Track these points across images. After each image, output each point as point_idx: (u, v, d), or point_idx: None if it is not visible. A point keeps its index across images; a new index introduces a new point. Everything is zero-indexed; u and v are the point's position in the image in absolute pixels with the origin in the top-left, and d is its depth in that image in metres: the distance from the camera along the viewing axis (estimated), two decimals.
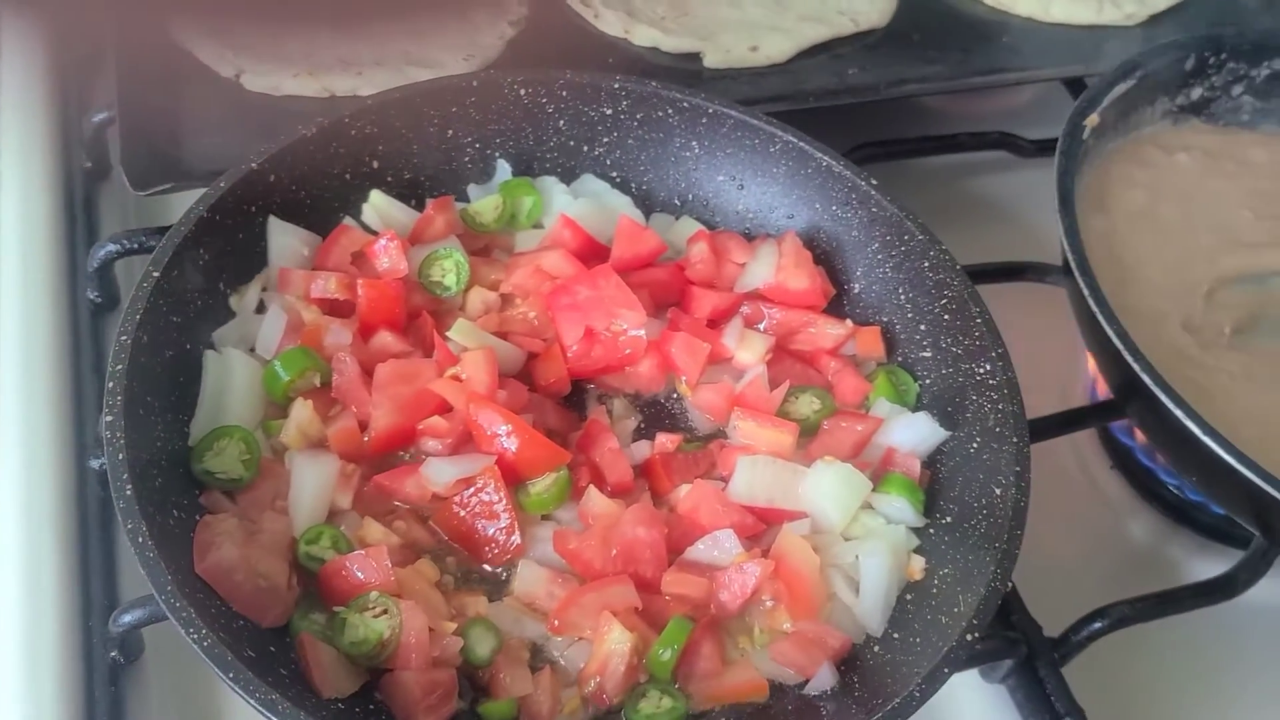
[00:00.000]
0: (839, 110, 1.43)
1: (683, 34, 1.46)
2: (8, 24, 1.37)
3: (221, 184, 1.04)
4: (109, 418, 0.88)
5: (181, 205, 1.18)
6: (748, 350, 1.11)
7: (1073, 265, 1.10)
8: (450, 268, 1.11)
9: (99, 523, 1.09)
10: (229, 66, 1.33)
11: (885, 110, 1.53)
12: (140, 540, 0.83)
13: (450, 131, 1.18)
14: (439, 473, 0.97)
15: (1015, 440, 0.99)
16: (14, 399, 1.14)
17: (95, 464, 1.10)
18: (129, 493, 0.84)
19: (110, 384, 0.90)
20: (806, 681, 0.95)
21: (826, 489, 1.01)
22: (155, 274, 0.96)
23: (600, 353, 1.10)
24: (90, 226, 1.33)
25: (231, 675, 0.78)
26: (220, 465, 0.96)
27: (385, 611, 0.89)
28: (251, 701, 0.77)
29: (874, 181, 1.15)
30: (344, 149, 1.13)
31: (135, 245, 1.19)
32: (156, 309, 0.96)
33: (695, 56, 1.45)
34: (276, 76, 1.32)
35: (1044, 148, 1.50)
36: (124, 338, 0.92)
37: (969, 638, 0.88)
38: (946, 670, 0.86)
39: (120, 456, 0.86)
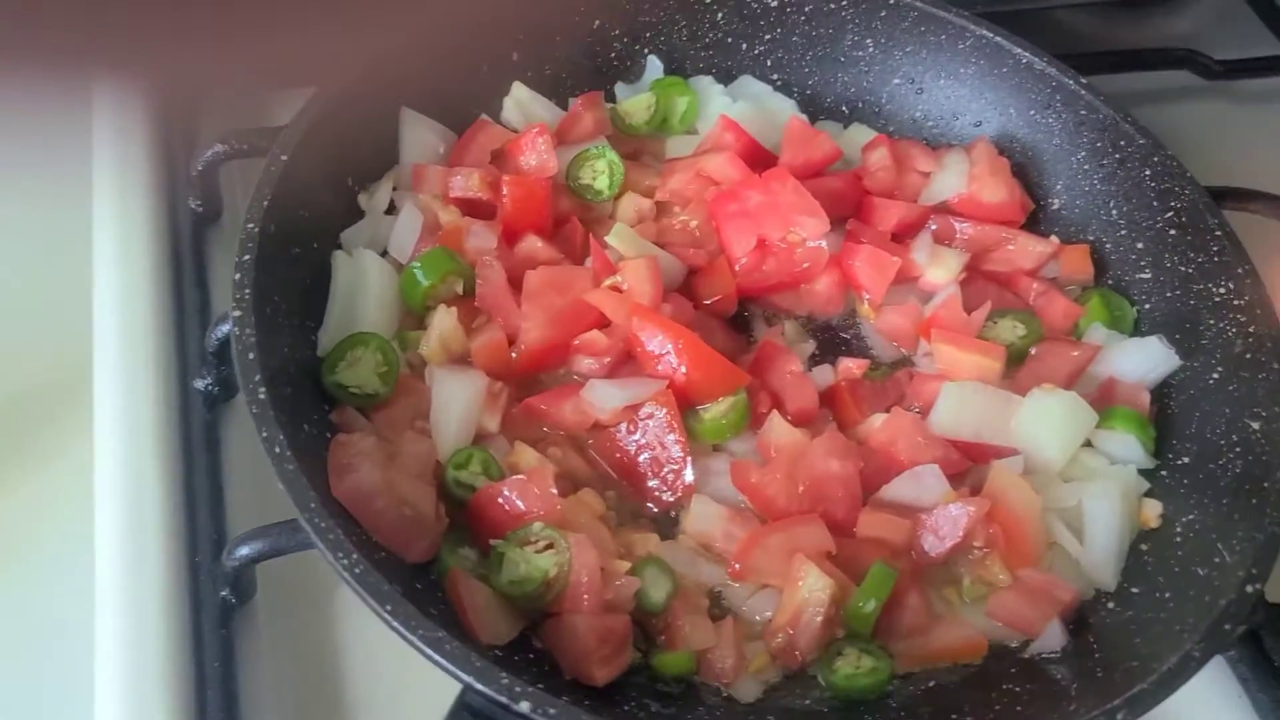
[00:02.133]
0: (1000, 19, 1.28)
1: None
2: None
3: (353, 67, 0.91)
4: (237, 313, 0.76)
5: (286, 107, 1.08)
6: (940, 267, 0.97)
7: None
8: (603, 169, 0.98)
9: (204, 448, 0.97)
10: None
11: (1055, 24, 1.38)
12: (278, 451, 0.70)
13: (597, 22, 1.05)
14: (604, 396, 0.85)
15: (1277, 366, 0.84)
16: (112, 315, 1.02)
17: (200, 385, 0.98)
18: (263, 396, 0.72)
19: (237, 275, 0.78)
20: (1029, 641, 0.81)
21: (1045, 421, 0.87)
22: (283, 157, 0.84)
23: (773, 266, 0.96)
24: (188, 133, 1.21)
25: (389, 609, 0.66)
26: (355, 378, 0.84)
27: (550, 546, 0.77)
28: (413, 639, 0.65)
29: (1084, 80, 1.00)
30: (485, 37, 1.00)
31: (245, 146, 1.06)
32: (283, 199, 0.84)
33: None
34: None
35: (1233, 69, 1.34)
36: (251, 225, 0.80)
37: (1249, 589, 0.73)
38: (1228, 627, 0.71)
39: (251, 357, 0.74)
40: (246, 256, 0.79)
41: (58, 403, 1.05)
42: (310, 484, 0.70)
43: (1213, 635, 0.71)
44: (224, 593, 0.88)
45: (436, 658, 0.64)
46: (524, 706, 0.62)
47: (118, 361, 0.99)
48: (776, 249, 0.96)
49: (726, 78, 1.10)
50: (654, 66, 1.08)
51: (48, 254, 1.15)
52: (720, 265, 0.96)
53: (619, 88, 1.08)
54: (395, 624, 0.65)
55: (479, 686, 0.63)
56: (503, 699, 0.62)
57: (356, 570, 0.67)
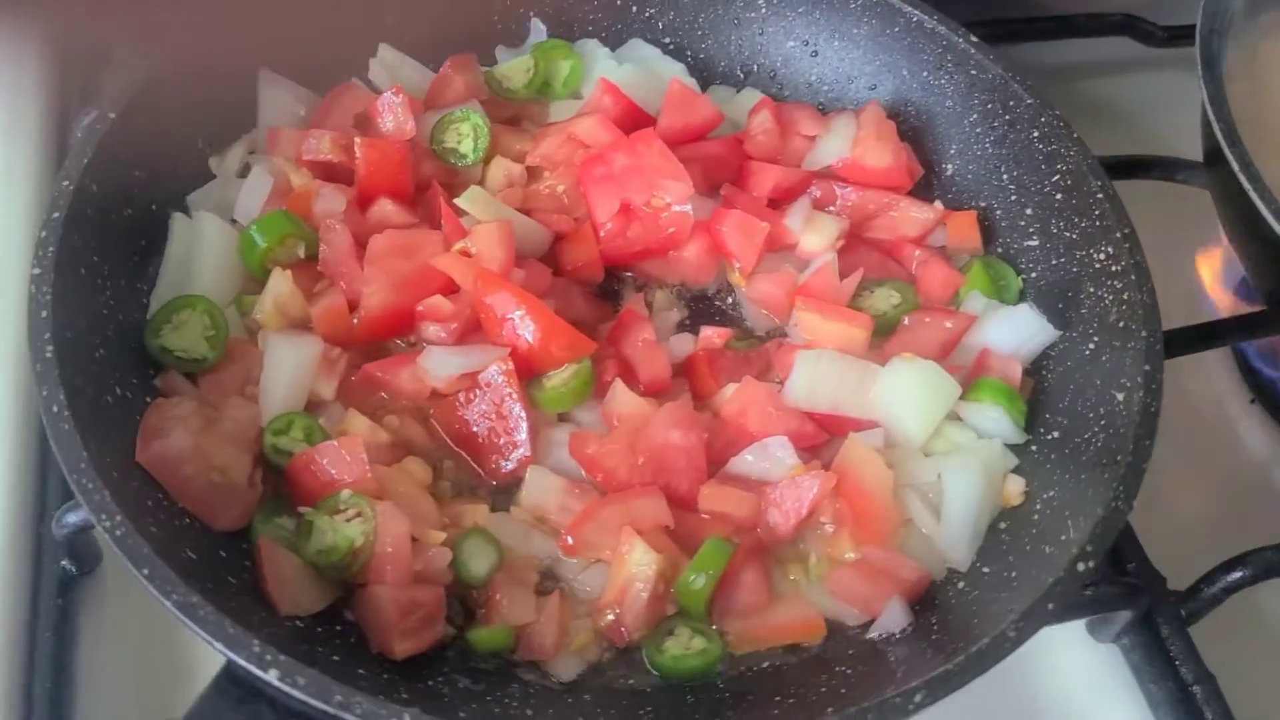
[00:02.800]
0: None
1: None
2: None
3: (196, 18, 0.89)
4: (36, 270, 0.74)
5: None
6: (815, 234, 0.93)
7: (1221, 141, 0.90)
8: (467, 132, 0.95)
9: None
10: None
11: None
12: (54, 410, 0.68)
13: (434, 30, 1.02)
14: (440, 364, 0.81)
15: (1144, 334, 0.80)
16: None
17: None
18: (49, 355, 0.70)
19: (44, 233, 0.75)
20: (871, 621, 0.77)
21: (905, 392, 0.83)
22: (111, 115, 0.82)
23: (639, 232, 0.93)
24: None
25: (145, 573, 0.63)
26: (180, 341, 0.81)
27: (360, 514, 0.74)
28: (167, 603, 0.62)
29: (974, 39, 0.96)
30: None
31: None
32: (112, 157, 0.81)
33: None
34: None
35: (1176, 35, 1.28)
36: (66, 183, 0.78)
37: (1080, 567, 0.69)
38: (1050, 607, 0.67)
39: (44, 315, 0.72)
40: (56, 214, 0.76)
41: None
42: (84, 444, 0.67)
43: (1031, 615, 0.67)
44: (64, 561, 0.86)
45: (189, 623, 0.61)
46: (272, 675, 0.60)
47: None
48: (642, 214, 0.92)
49: (616, 41, 1.06)
50: (538, 29, 1.04)
51: None
52: (585, 232, 0.93)
53: (500, 50, 1.04)
54: (151, 588, 0.63)
55: (229, 654, 0.60)
56: (252, 666, 0.60)
57: (117, 533, 0.64)
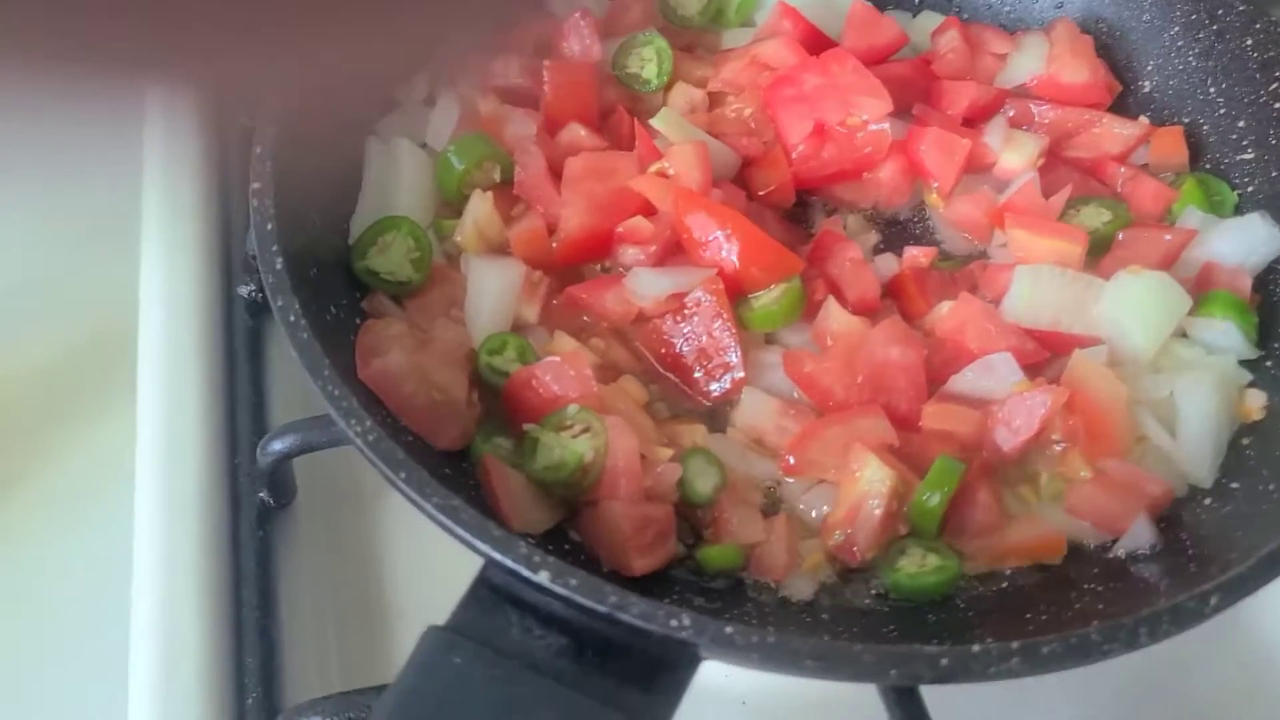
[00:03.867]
0: None
1: None
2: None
3: None
4: (257, 184, 0.73)
5: None
6: (1016, 152, 0.90)
7: None
8: (650, 57, 0.93)
9: (247, 356, 0.94)
10: None
11: None
12: (291, 320, 0.67)
13: None
14: (648, 284, 0.79)
15: None
16: (154, 212, 1.00)
17: (243, 291, 0.96)
18: (279, 266, 0.69)
19: (258, 149, 0.74)
20: (1114, 541, 0.74)
21: (1132, 306, 0.79)
22: None
23: (833, 153, 0.90)
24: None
25: (403, 476, 0.61)
26: (386, 264, 0.80)
27: (587, 429, 0.72)
28: (426, 507, 0.60)
29: None
30: None
31: None
32: None
33: None
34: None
35: None
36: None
37: None
38: None
39: (269, 227, 0.71)
40: (270, 130, 0.75)
41: (104, 303, 1.03)
42: (325, 353, 0.66)
43: None
44: (262, 494, 0.85)
45: (452, 525, 0.60)
46: (543, 577, 0.57)
47: (161, 259, 0.97)
48: (835, 134, 0.89)
49: None
50: None
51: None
52: (776, 154, 0.90)
53: None
54: (409, 491, 0.61)
55: (496, 556, 0.58)
56: (521, 569, 0.58)
57: (370, 437, 0.63)
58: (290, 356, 0.91)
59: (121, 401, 0.95)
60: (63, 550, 0.91)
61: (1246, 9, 0.88)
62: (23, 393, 1.06)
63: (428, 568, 0.83)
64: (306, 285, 0.72)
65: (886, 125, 0.88)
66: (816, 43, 0.95)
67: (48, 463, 0.98)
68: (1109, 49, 0.96)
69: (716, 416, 0.80)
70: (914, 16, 1.03)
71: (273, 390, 0.93)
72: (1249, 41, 0.88)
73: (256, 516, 0.84)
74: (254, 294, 0.95)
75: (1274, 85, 0.87)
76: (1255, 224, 0.83)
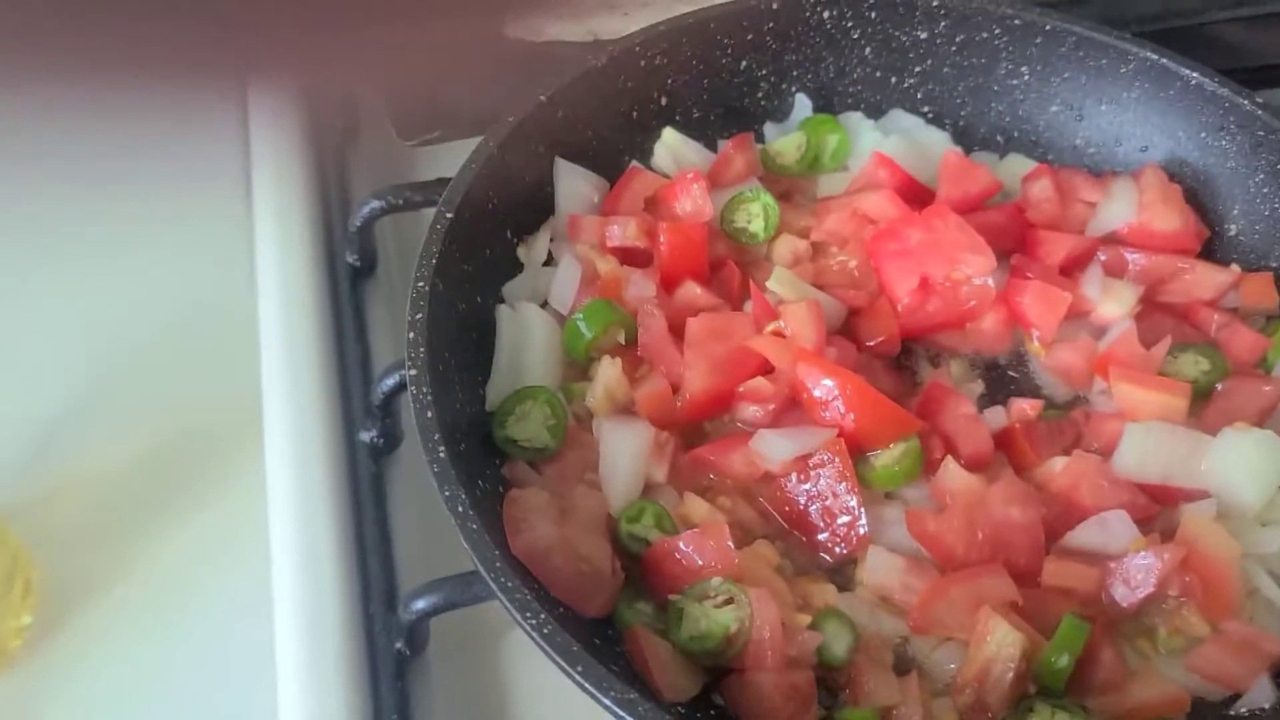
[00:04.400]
0: (1155, 36, 1.23)
1: None
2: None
3: (510, 119, 0.92)
4: (413, 372, 0.77)
5: (435, 163, 1.10)
6: (1114, 301, 0.94)
7: None
8: (758, 212, 0.97)
9: (372, 500, 0.98)
10: None
11: (1213, 38, 1.31)
12: (460, 510, 0.71)
13: (744, 62, 1.05)
14: (775, 448, 0.83)
15: None
16: (278, 371, 1.04)
17: (365, 437, 1.00)
18: (443, 455, 0.73)
19: (411, 335, 0.79)
20: (1236, 697, 0.77)
21: (1241, 463, 0.83)
22: (448, 215, 0.85)
23: (937, 305, 0.94)
24: (342, 187, 1.23)
25: (580, 670, 0.65)
26: (525, 432, 0.84)
27: (730, 600, 0.75)
28: (606, 702, 0.64)
29: (1259, 99, 0.96)
30: (632, 82, 1.00)
31: (400, 201, 1.08)
32: (450, 255, 0.85)
33: None
34: (538, 20, 1.21)
35: None
36: (421, 284, 0.81)
37: None
38: None
39: (429, 415, 0.75)
40: (419, 315, 0.79)
41: (228, 444, 1.07)
42: (493, 542, 0.70)
43: None
44: (399, 644, 0.89)
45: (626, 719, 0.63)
46: None
47: (286, 416, 1.01)
48: (940, 288, 0.93)
49: (876, 112, 1.08)
50: (802, 104, 1.06)
51: (215, 300, 1.17)
52: (882, 306, 0.94)
53: (768, 127, 1.07)
54: (587, 686, 0.65)
55: None
56: None
57: (545, 630, 0.66)
58: (413, 503, 0.96)
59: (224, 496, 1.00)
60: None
61: None
62: (149, 465, 1.09)
63: (554, 708, 0.87)
64: (461, 465, 0.76)
65: (991, 280, 0.92)
66: (913, 192, 1.00)
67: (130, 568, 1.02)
68: (1195, 193, 1.00)
69: (841, 572, 0.83)
70: (1001, 158, 1.07)
71: (398, 536, 0.97)
72: None
73: (394, 667, 0.88)
74: (375, 440, 1.00)
75: None
76: None
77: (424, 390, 0.76)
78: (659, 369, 0.88)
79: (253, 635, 0.92)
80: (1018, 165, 1.05)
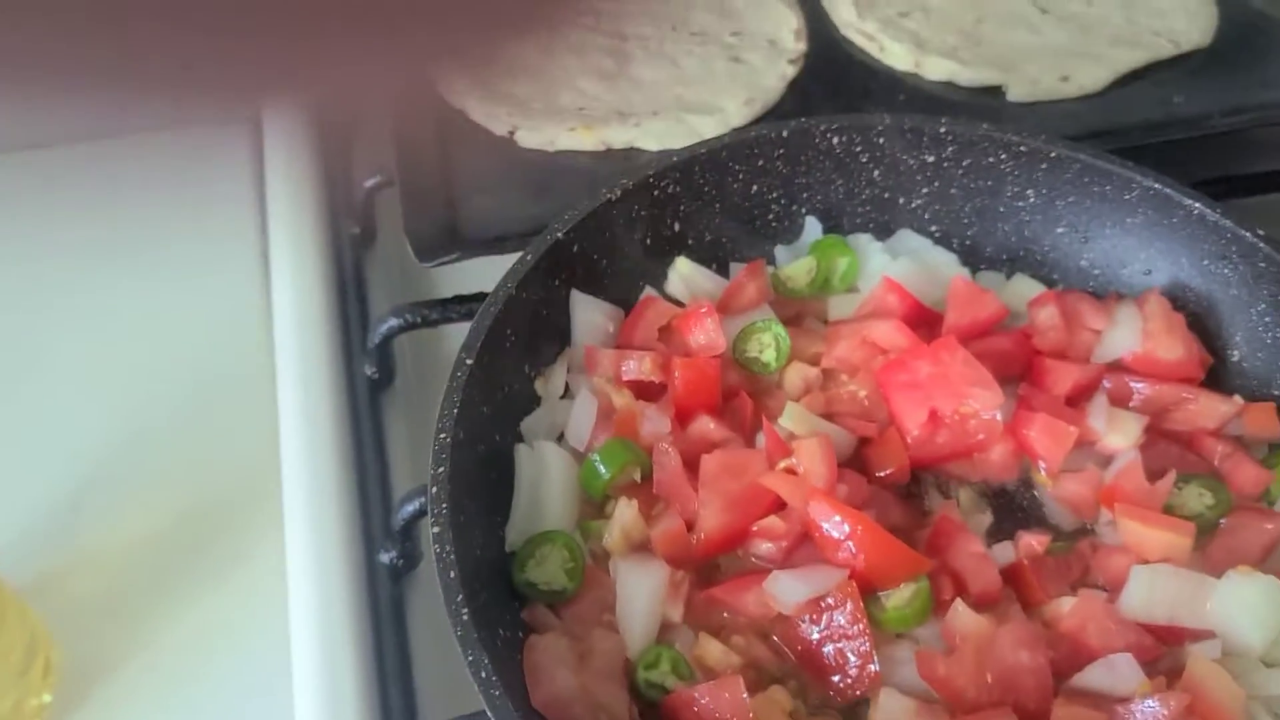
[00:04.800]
0: (1154, 146, 1.26)
1: (981, 65, 1.32)
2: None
3: (528, 257, 0.95)
4: (436, 529, 0.79)
5: (451, 275, 1.12)
6: (1119, 433, 0.95)
7: None
8: (769, 342, 0.99)
9: (391, 620, 1.01)
10: (502, 124, 1.25)
11: (1209, 143, 1.34)
12: (484, 676, 0.73)
13: (755, 187, 1.07)
14: (787, 590, 0.85)
15: None
16: (299, 485, 1.07)
17: (385, 558, 1.02)
18: (466, 618, 0.75)
19: (434, 489, 0.81)
20: None
21: (1243, 605, 0.84)
22: (469, 362, 0.87)
23: (946, 438, 0.96)
24: (360, 297, 1.26)
25: None
26: (544, 576, 0.86)
27: None
28: None
29: (1260, 231, 0.98)
30: (645, 211, 1.03)
31: (418, 319, 1.11)
32: (471, 401, 0.87)
33: (995, 90, 1.30)
34: (550, 131, 1.23)
35: None
36: (444, 436, 0.83)
37: None
38: None
39: (452, 575, 0.77)
40: (441, 469, 0.82)
41: (246, 519, 1.10)
42: (515, 706, 0.72)
43: None
44: None
45: None
46: None
47: (308, 536, 1.03)
48: (949, 420, 0.95)
49: (884, 232, 1.10)
50: (813, 227, 1.09)
51: (233, 376, 1.20)
52: (891, 436, 0.96)
53: (779, 249, 1.09)
54: None
55: None
56: None
57: None
58: (433, 625, 0.98)
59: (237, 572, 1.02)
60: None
61: None
62: (134, 565, 1.12)
63: None
64: (482, 619, 0.78)
65: (999, 414, 0.94)
66: (921, 317, 1.02)
67: (161, 640, 1.05)
68: (1199, 319, 1.02)
69: (854, 712, 0.85)
70: (1007, 279, 1.09)
71: (418, 659, 0.99)
72: None
73: None
74: (395, 560, 1.02)
75: None
76: None
77: (447, 549, 0.78)
78: (674, 507, 0.90)
79: (269, 713, 0.95)
80: (1024, 287, 1.07)
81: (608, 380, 0.96)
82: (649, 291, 1.03)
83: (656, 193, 1.02)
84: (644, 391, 0.97)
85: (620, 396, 0.95)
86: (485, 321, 0.90)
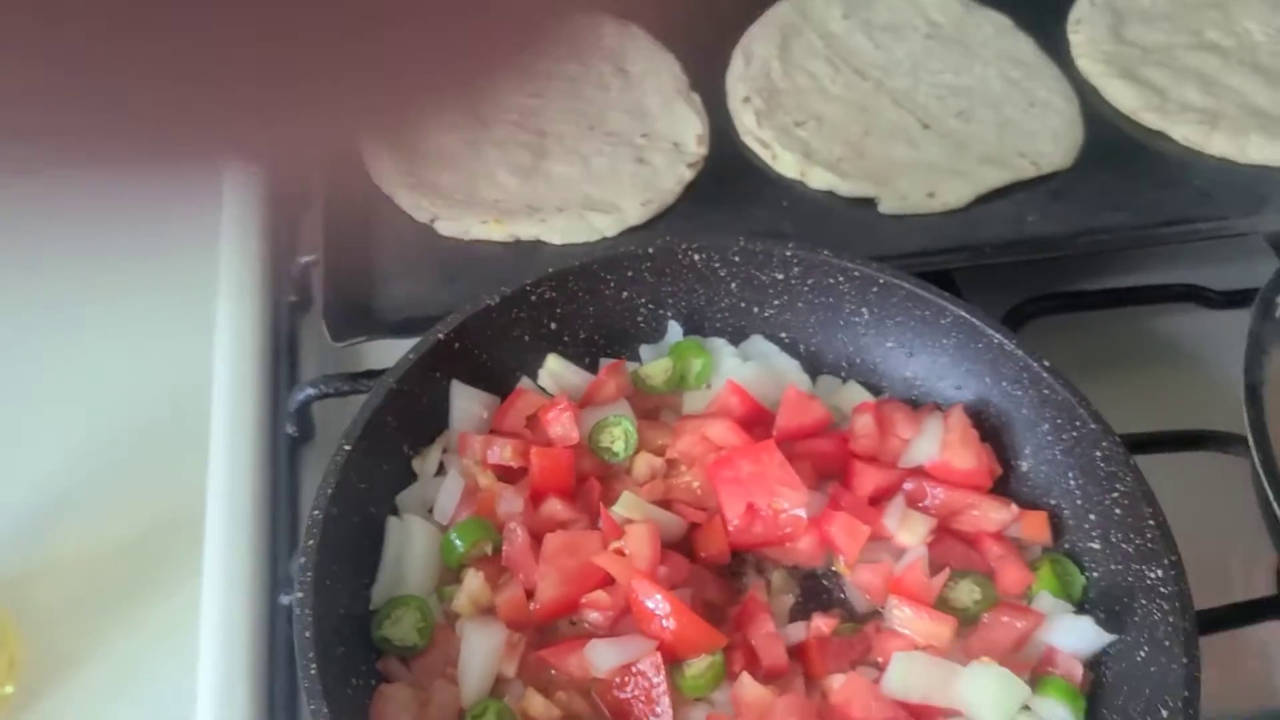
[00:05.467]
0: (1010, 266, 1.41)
1: (859, 177, 1.47)
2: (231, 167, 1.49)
3: (411, 355, 1.11)
4: (299, 594, 0.95)
5: (372, 346, 1.28)
6: (909, 532, 1.11)
7: (1253, 451, 1.07)
8: (619, 435, 1.15)
9: (285, 661, 1.17)
10: (424, 212, 1.41)
11: (1058, 260, 1.49)
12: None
13: (625, 293, 1.23)
14: (602, 657, 1.01)
15: (1185, 660, 0.96)
16: (217, 526, 1.23)
17: (285, 600, 1.18)
18: (313, 672, 0.91)
19: (302, 559, 0.97)
20: None
21: (983, 692, 1.00)
22: (347, 448, 1.04)
23: (761, 529, 1.12)
24: (292, 359, 1.43)
25: None
26: (398, 634, 1.02)
27: None
28: None
29: (1046, 363, 1.13)
30: (524, 314, 1.18)
31: (331, 390, 1.27)
32: (348, 481, 1.03)
33: (870, 200, 1.45)
34: (466, 222, 1.39)
35: (1236, 299, 1.44)
36: (317, 512, 0.99)
37: None
38: None
39: (307, 634, 0.93)
40: (311, 541, 0.98)
41: (181, 551, 1.26)
42: None
43: None
44: None
45: None
46: None
47: (220, 570, 1.20)
48: (764, 513, 1.11)
49: (739, 336, 1.26)
50: (674, 329, 1.24)
51: (186, 409, 1.37)
52: (716, 524, 1.12)
53: (643, 348, 1.25)
54: None
55: None
56: None
57: None
58: None
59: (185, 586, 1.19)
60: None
61: (1098, 428, 1.09)
62: (93, 573, 1.31)
63: None
64: (335, 669, 0.95)
65: (804, 512, 1.10)
66: (758, 416, 1.17)
67: (112, 641, 1.23)
68: (997, 430, 1.18)
69: None
70: (843, 383, 1.25)
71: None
72: (1098, 454, 1.09)
73: None
74: (294, 603, 1.18)
75: (1115, 494, 1.07)
76: (1087, 626, 1.04)
77: (305, 612, 0.94)
78: (518, 577, 1.06)
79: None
80: (855, 393, 1.23)
81: (476, 462, 1.12)
82: (522, 383, 1.19)
83: (534, 298, 1.18)
84: (508, 473, 1.13)
85: (485, 477, 1.11)
86: (365, 413, 1.06)
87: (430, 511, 1.12)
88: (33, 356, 1.48)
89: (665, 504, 1.13)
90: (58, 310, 1.50)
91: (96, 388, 1.44)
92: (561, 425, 1.14)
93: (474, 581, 1.05)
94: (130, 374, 1.45)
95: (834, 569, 1.14)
